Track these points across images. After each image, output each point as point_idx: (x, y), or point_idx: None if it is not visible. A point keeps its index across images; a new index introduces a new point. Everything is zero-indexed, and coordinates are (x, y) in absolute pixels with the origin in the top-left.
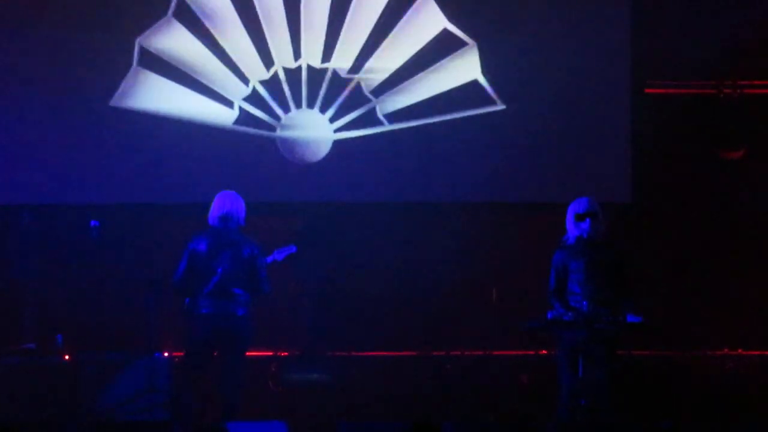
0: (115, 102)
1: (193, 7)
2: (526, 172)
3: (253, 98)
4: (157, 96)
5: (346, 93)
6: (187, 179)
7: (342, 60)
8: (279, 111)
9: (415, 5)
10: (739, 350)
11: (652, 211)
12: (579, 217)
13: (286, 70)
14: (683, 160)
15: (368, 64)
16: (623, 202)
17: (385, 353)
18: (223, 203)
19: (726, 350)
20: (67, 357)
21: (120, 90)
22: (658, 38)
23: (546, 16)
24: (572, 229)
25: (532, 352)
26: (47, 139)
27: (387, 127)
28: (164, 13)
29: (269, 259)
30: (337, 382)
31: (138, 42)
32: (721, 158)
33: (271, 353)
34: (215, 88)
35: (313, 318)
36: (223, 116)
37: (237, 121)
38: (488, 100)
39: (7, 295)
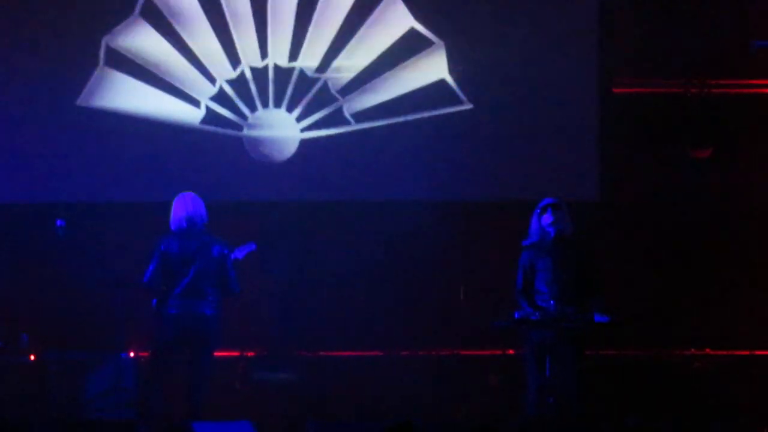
0: (81, 101)
1: (160, 6)
2: (494, 170)
3: (220, 97)
4: (123, 95)
5: (313, 92)
6: (153, 178)
7: (309, 59)
8: (245, 110)
9: (382, 4)
10: (707, 350)
11: (620, 210)
12: (542, 210)
13: (253, 69)
14: (651, 159)
15: (335, 63)
16: (590, 200)
17: (352, 353)
18: (185, 205)
19: (693, 350)
20: (32, 356)
21: (86, 89)
22: (626, 38)
23: (513, 15)
24: (535, 228)
25: (499, 352)
26: (13, 138)
27: (354, 127)
28: (131, 12)
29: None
30: (304, 382)
31: (104, 41)
32: (689, 157)
33: (238, 353)
34: (182, 87)
35: (280, 318)
36: (190, 115)
37: (203, 120)
38: (455, 99)
39: None
